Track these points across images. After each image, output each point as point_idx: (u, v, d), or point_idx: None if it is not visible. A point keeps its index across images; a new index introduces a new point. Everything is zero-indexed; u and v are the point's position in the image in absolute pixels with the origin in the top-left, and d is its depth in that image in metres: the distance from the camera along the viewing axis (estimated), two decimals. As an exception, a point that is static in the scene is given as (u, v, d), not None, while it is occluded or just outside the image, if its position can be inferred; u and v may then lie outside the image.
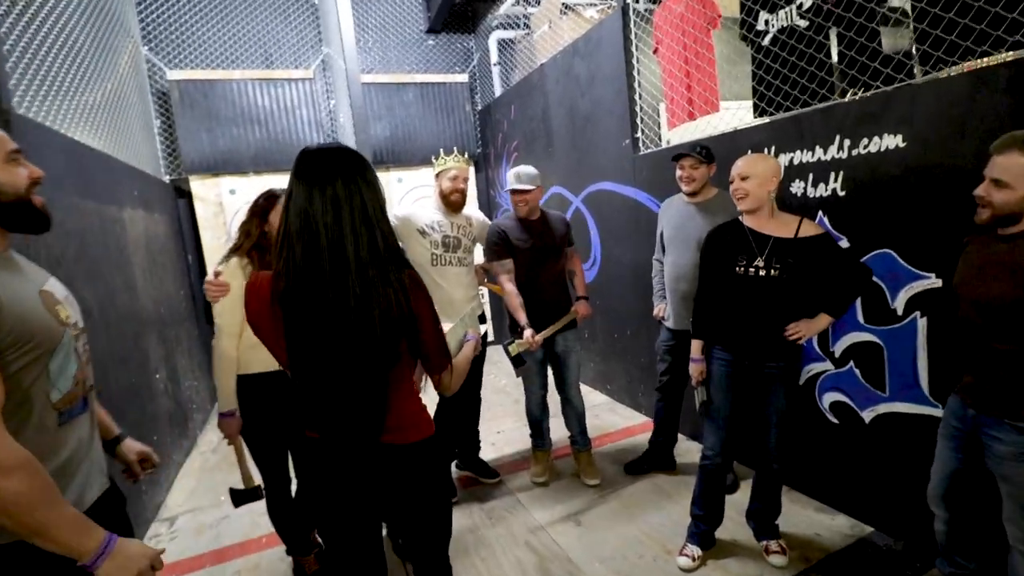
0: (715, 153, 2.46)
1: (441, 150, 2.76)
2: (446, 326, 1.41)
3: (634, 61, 3.27)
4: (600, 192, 3.75)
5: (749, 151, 2.40)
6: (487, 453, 3.15)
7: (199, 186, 4.54)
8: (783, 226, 1.89)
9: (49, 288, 1.12)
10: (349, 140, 4.64)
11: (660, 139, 3.32)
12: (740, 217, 1.96)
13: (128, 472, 1.41)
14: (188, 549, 2.49)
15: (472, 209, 2.84)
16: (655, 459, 2.86)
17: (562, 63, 3.95)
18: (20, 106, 2.16)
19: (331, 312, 1.11)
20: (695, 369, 2.05)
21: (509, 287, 2.60)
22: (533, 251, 2.62)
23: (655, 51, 3.22)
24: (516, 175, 2.58)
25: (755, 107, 2.54)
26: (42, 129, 2.25)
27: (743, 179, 1.88)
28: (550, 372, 2.84)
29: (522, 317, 2.52)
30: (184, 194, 4.53)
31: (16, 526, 0.89)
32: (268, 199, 1.96)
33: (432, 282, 2.64)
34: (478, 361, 2.82)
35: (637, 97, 3.30)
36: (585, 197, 3.95)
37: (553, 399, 2.83)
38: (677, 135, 3.27)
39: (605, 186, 3.68)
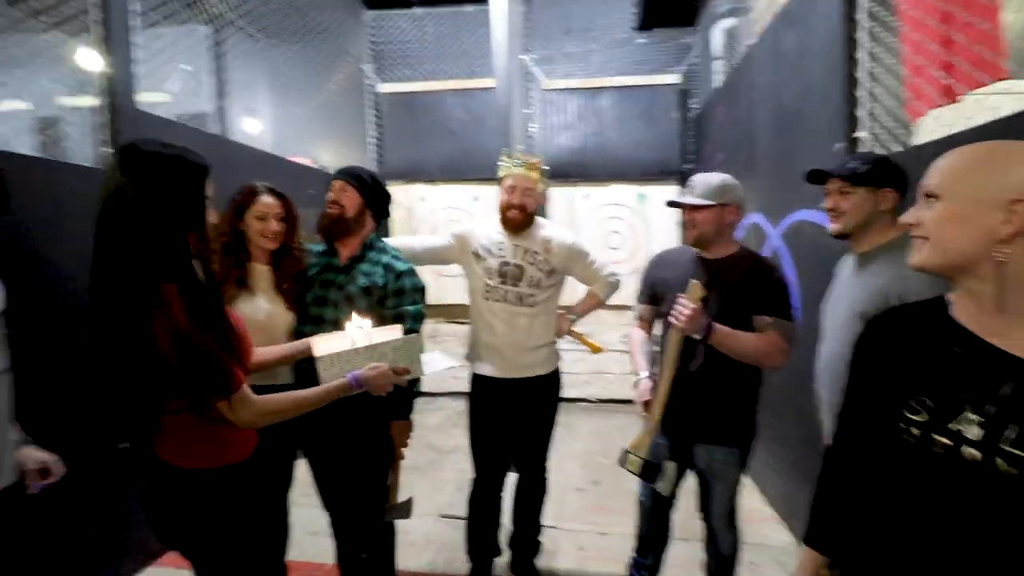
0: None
1: (504, 150, 2.17)
2: (327, 346, 1.38)
3: (859, 18, 2.08)
4: (801, 225, 2.57)
5: None
6: (561, 559, 2.44)
7: (396, 192, 4.87)
8: None
9: None
10: (539, 151, 4.45)
11: (903, 139, 2.03)
12: (947, 297, 0.89)
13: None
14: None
15: (556, 229, 2.18)
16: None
17: (769, 41, 2.87)
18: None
19: None
20: None
21: (635, 333, 1.96)
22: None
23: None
24: (689, 184, 1.81)
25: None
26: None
27: (929, 199, 0.84)
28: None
29: (640, 364, 1.87)
30: (385, 199, 4.95)
31: None
32: (247, 195, 1.74)
33: (482, 322, 2.11)
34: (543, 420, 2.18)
35: (863, 75, 2.09)
36: (784, 230, 2.77)
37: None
38: (928, 129, 1.94)
39: (807, 215, 2.49)
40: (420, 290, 1.84)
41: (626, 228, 4.62)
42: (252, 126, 4.77)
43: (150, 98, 3.83)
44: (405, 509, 1.86)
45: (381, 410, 1.77)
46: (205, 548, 1.22)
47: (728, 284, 1.71)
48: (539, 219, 2.15)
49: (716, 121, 3.90)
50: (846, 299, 1.40)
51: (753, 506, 2.87)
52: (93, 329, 1.08)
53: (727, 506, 1.83)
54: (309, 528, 2.10)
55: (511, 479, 2.24)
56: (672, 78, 4.55)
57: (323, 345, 1.41)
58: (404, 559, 2.40)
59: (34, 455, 1.34)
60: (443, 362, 1.69)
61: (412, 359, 1.45)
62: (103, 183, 1.06)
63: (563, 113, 4.66)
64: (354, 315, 1.50)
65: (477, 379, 2.16)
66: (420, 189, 4.85)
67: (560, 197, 4.72)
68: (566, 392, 4.76)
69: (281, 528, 1.92)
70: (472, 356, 2.19)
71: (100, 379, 1.18)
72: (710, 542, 1.89)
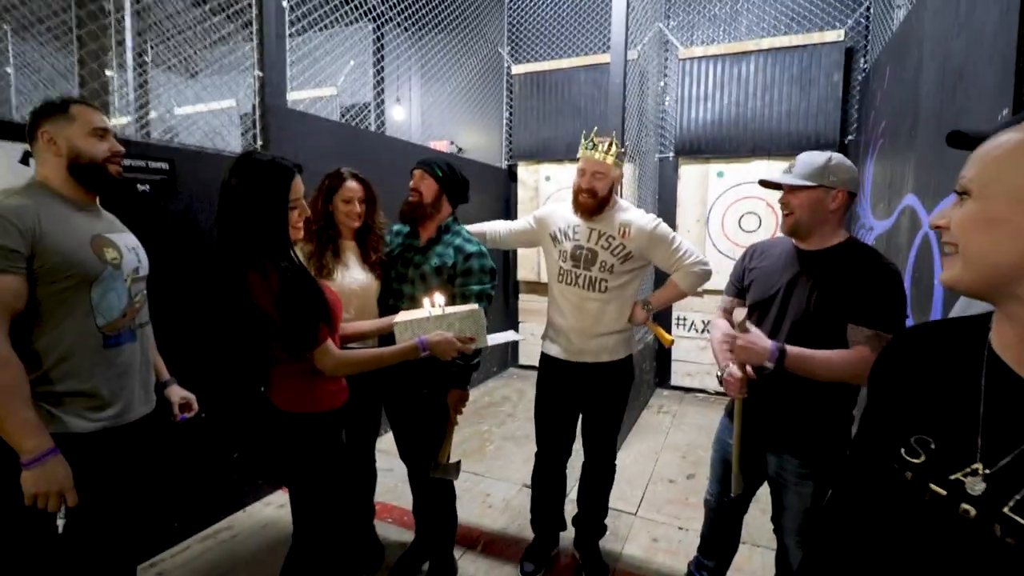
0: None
1: (584, 132, 2.12)
2: (405, 315, 1.63)
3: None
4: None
5: None
6: (630, 546, 2.46)
7: (523, 172, 5.04)
8: None
9: (107, 235, 1.46)
10: (670, 126, 4.43)
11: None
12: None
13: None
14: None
15: (637, 213, 2.08)
16: None
17: (938, -17, 2.35)
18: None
19: None
20: None
21: (718, 322, 1.78)
22: (774, 297, 1.59)
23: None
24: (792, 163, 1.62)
25: None
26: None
27: (961, 196, 0.68)
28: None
29: (722, 355, 1.64)
30: (514, 177, 5.13)
31: None
32: (335, 179, 2.01)
33: (554, 304, 2.18)
34: (612, 401, 2.16)
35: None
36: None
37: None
38: None
39: (963, 196, 2.04)
40: (488, 271, 1.96)
41: (765, 209, 4.18)
42: (400, 114, 5.30)
43: (321, 92, 4.47)
44: (452, 470, 2.01)
45: (444, 379, 1.96)
46: (301, 479, 1.52)
47: (824, 282, 1.49)
48: (621, 202, 2.10)
49: (882, 84, 3.31)
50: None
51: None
52: (216, 294, 1.43)
53: (800, 522, 1.64)
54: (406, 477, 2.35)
55: (579, 459, 2.28)
56: (835, 35, 3.92)
57: (403, 315, 1.67)
58: (481, 519, 2.61)
59: (179, 392, 1.71)
60: (508, 336, 1.83)
61: (477, 330, 1.62)
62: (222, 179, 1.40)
63: (702, 83, 4.32)
64: (435, 293, 1.68)
65: (545, 359, 2.22)
66: (546, 168, 4.92)
67: (690, 174, 4.42)
68: (681, 380, 4.59)
69: (369, 471, 2.24)
70: (544, 334, 2.24)
71: (225, 335, 1.54)
72: (781, 555, 1.75)
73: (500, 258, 4.90)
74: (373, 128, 3.80)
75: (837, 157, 1.54)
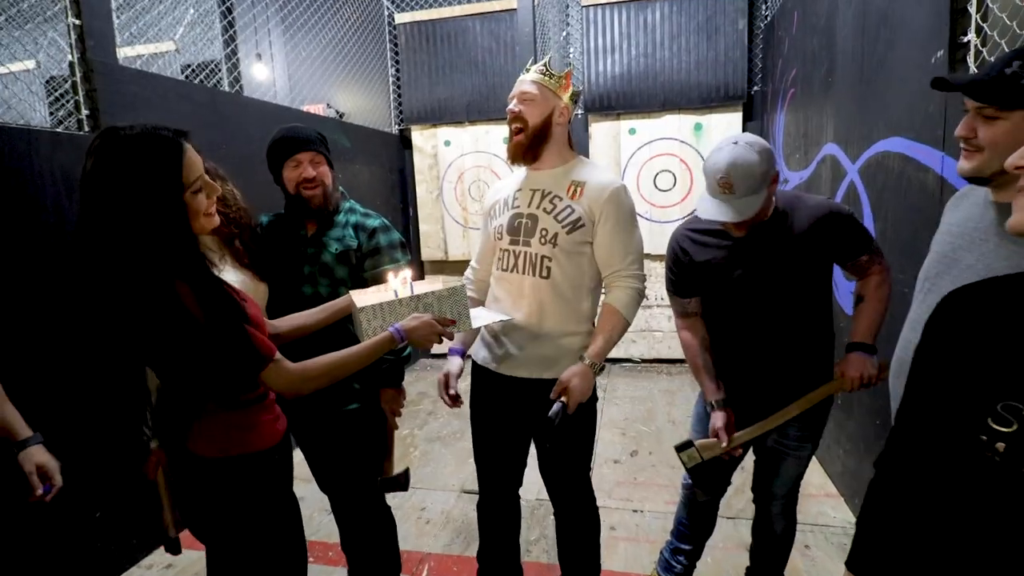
0: None
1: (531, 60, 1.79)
2: (367, 299, 1.35)
3: None
4: (885, 157, 2.16)
5: None
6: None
7: (418, 137, 4.68)
8: None
9: None
10: (576, 80, 4.12)
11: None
12: None
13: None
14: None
15: (597, 170, 1.61)
16: None
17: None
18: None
19: None
20: None
21: (684, 337, 1.69)
22: (740, 283, 1.53)
23: None
24: (717, 179, 1.42)
25: None
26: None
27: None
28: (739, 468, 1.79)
29: (709, 388, 1.61)
30: (409, 144, 4.74)
31: None
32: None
33: (489, 298, 1.71)
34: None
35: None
36: (863, 164, 2.36)
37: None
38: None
39: (894, 145, 2.08)
40: (398, 245, 1.76)
41: (679, 166, 4.20)
42: (262, 73, 4.64)
43: (154, 48, 3.76)
44: (401, 481, 1.82)
45: (370, 379, 1.72)
46: (230, 534, 1.24)
47: (767, 244, 1.51)
48: (580, 157, 1.65)
49: (789, 30, 3.36)
50: (974, 268, 1.04)
51: (812, 481, 2.63)
52: (108, 324, 1.06)
53: (790, 487, 1.70)
54: (321, 505, 2.04)
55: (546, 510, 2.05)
56: (737, -21, 3.95)
57: (363, 298, 1.38)
58: (419, 539, 2.39)
59: (36, 457, 1.31)
60: (491, 316, 1.55)
61: (459, 311, 1.38)
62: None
63: (607, 34, 4.19)
64: (403, 268, 1.44)
65: (476, 369, 1.74)
66: (444, 132, 4.60)
67: (601, 132, 4.33)
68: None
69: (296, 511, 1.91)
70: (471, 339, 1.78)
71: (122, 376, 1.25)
72: (762, 524, 1.77)
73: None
74: (227, 91, 3.23)
75: (759, 146, 1.42)
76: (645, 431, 3.30)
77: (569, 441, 1.63)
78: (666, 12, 4.06)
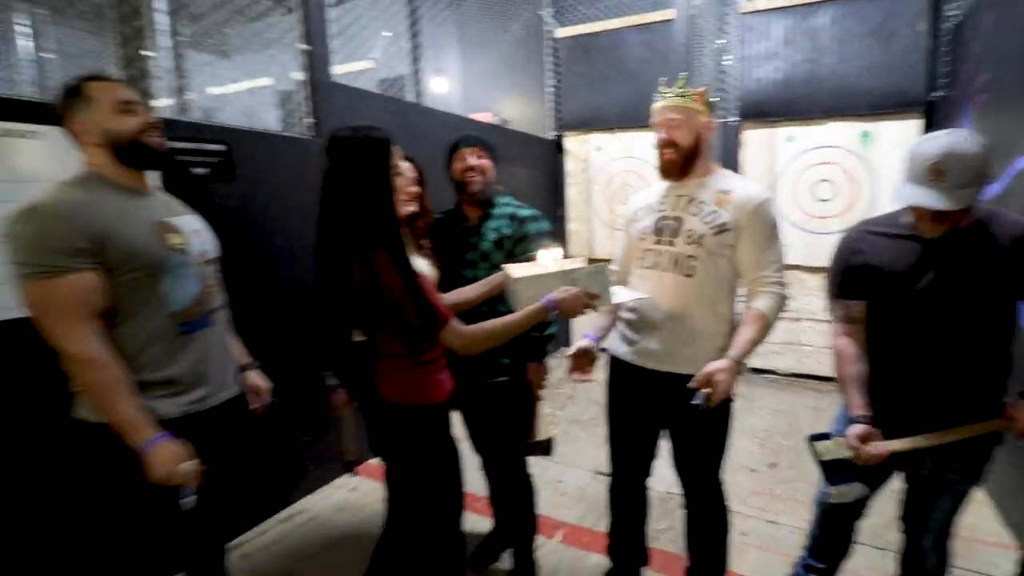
0: None
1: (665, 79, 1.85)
2: (522, 271, 1.50)
3: None
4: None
5: None
6: None
7: (572, 143, 4.96)
8: None
9: (170, 220, 1.46)
10: (731, 87, 4.20)
11: None
12: None
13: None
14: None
15: (742, 181, 1.74)
16: None
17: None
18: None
19: None
20: None
21: (841, 343, 1.56)
22: (928, 291, 1.42)
23: None
24: (928, 162, 1.32)
25: None
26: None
27: None
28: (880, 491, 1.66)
29: (856, 403, 1.47)
30: (563, 149, 5.04)
31: (95, 407, 1.30)
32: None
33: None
34: None
35: None
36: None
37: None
38: None
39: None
40: (547, 233, 1.96)
41: (842, 176, 4.00)
42: (442, 85, 5.21)
43: (356, 67, 4.43)
44: (545, 447, 2.00)
45: (517, 354, 1.94)
46: (410, 472, 1.52)
47: (959, 256, 1.39)
48: (723, 170, 1.77)
49: (982, 30, 3.09)
50: None
51: (980, 524, 2.42)
52: (319, 287, 1.40)
53: (945, 522, 1.57)
54: (473, 464, 2.33)
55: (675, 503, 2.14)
56: (920, -22, 3.69)
57: (518, 270, 1.55)
58: (555, 509, 2.60)
59: (254, 379, 1.73)
60: (630, 294, 1.72)
61: (603, 287, 1.51)
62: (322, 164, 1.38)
63: (766, 40, 4.13)
64: (552, 247, 1.60)
65: (614, 362, 1.85)
66: (596, 138, 4.82)
67: (756, 140, 4.25)
68: (752, 362, 4.47)
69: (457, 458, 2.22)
70: (613, 328, 1.90)
71: (325, 326, 1.51)
72: (912, 558, 1.65)
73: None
74: (412, 101, 3.75)
75: (973, 140, 1.34)
76: (786, 445, 3.22)
77: (705, 437, 1.72)
78: (835, 16, 3.90)
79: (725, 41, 4.42)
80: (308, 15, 2.61)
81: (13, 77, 3.62)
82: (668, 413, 1.73)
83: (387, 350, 1.43)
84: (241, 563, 2.24)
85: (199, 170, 2.18)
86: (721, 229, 1.62)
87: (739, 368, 1.56)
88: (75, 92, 1.34)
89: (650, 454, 1.88)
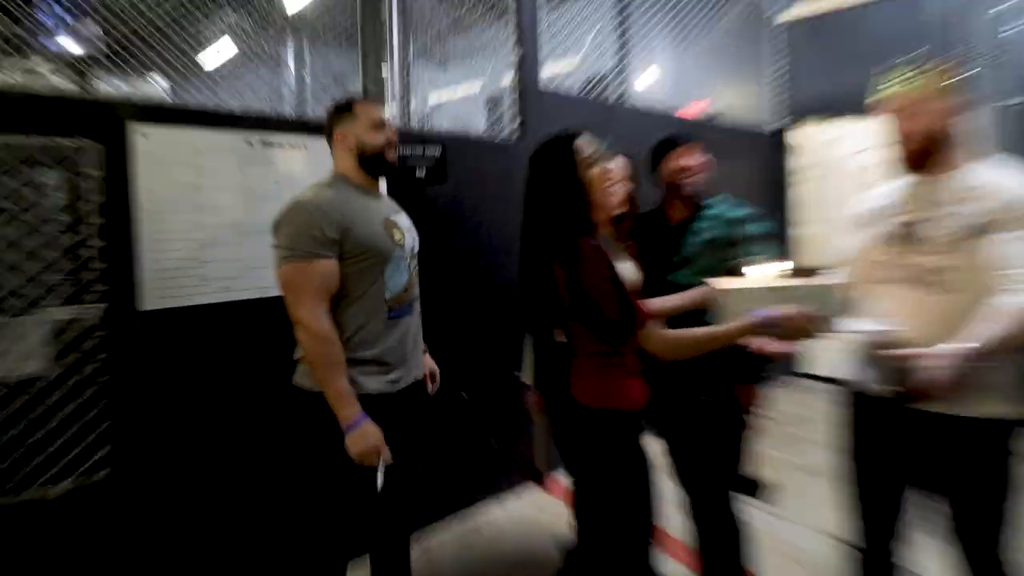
0: None
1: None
2: (731, 284, 1.39)
3: None
4: None
5: None
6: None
7: (795, 136, 4.49)
8: None
9: (393, 218, 1.69)
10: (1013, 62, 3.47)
11: None
12: None
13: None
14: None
15: (993, 168, 1.40)
16: None
17: None
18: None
19: None
20: None
21: None
22: None
23: None
24: None
25: None
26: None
27: None
28: None
29: None
30: (784, 144, 4.56)
31: (312, 376, 1.50)
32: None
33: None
34: None
35: None
36: None
37: None
38: None
39: None
40: (767, 236, 1.81)
41: None
42: (649, 78, 4.94)
43: (560, 68, 4.46)
44: (754, 486, 1.82)
45: (725, 374, 1.76)
46: (598, 479, 1.44)
47: None
48: (978, 162, 1.45)
49: None
50: None
51: None
52: (523, 287, 1.46)
53: None
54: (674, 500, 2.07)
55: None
56: None
57: (728, 283, 1.42)
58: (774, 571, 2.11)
59: (431, 364, 1.87)
60: (870, 325, 1.42)
61: (828, 309, 1.29)
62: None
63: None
64: (767, 259, 1.51)
65: (861, 399, 1.54)
66: (825, 130, 4.27)
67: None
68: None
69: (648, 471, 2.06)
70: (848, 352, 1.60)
71: (527, 324, 1.59)
72: None
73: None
74: (612, 99, 3.63)
75: None
76: None
77: (985, 496, 1.35)
78: None
79: (1001, 9, 3.56)
80: (521, 20, 2.67)
81: (282, 95, 4.36)
82: (940, 465, 1.41)
83: (582, 348, 1.40)
84: (421, 557, 2.27)
85: (419, 173, 2.37)
86: (974, 233, 1.32)
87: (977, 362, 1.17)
88: (346, 108, 1.61)
89: (902, 515, 1.54)
